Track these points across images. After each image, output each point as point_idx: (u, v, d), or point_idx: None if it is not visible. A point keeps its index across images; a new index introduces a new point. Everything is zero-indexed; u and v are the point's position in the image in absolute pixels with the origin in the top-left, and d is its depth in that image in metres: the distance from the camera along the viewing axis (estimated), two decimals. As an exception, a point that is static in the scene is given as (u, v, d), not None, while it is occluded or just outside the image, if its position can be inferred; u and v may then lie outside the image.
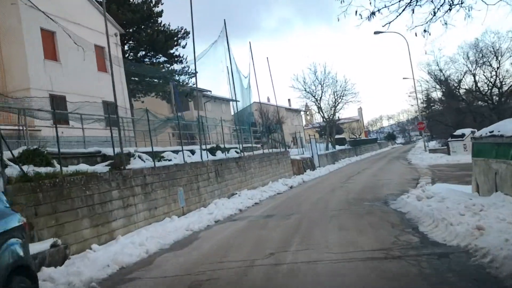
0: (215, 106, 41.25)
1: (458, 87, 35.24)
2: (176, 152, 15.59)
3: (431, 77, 40.61)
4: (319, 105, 44.18)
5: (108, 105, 21.02)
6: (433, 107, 46.45)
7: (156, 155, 13.60)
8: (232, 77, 21.48)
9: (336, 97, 44.11)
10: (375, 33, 31.24)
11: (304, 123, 79.68)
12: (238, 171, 18.49)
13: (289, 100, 75.83)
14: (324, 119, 45.57)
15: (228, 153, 19.96)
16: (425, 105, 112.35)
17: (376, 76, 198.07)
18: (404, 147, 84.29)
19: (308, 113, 79.76)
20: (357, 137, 73.75)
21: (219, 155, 18.24)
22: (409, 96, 48.78)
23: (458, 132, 25.75)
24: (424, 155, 29.51)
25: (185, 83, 33.91)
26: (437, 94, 40.60)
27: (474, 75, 32.89)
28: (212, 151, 18.83)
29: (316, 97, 44.01)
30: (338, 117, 48.94)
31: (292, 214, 11.67)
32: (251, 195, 16.93)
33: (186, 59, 33.80)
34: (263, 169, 21.90)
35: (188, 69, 34.36)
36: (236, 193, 17.17)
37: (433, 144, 52.73)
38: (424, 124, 30.93)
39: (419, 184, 16.17)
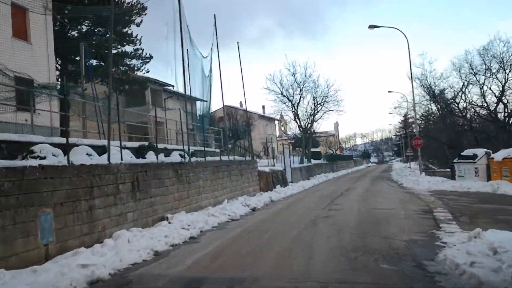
0: (179, 105, 35.42)
1: (456, 101, 30.47)
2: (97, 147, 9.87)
3: (425, 90, 35.90)
4: (296, 112, 38.83)
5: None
6: (425, 123, 41.78)
7: (19, 148, 7.76)
8: (183, 54, 15.64)
9: (315, 104, 38.87)
10: (370, 27, 26.20)
11: (278, 133, 74.52)
12: (176, 183, 12.67)
13: (263, 107, 70.76)
14: (300, 128, 40.19)
15: (167, 155, 14.17)
16: (402, 125, 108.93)
17: (355, 93, 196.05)
18: (380, 166, 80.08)
19: (282, 123, 74.74)
20: (334, 152, 68.88)
21: (150, 157, 12.43)
22: (396, 108, 43.46)
23: (468, 152, 20.68)
24: (419, 177, 24.28)
25: (136, 68, 27.99)
26: (431, 109, 35.85)
27: (481, 87, 28.21)
28: (141, 151, 12.99)
29: (293, 102, 38.65)
30: (314, 130, 43.63)
31: (241, 283, 6.04)
32: (189, 222, 11.15)
33: (140, 40, 28.02)
34: (218, 181, 16.15)
35: (142, 53, 28.61)
36: (168, 217, 11.35)
37: (413, 165, 48.31)
38: (421, 141, 25.69)
39: (440, 221, 10.87)
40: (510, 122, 27.41)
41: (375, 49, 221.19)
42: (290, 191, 22.54)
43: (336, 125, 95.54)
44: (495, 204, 14.31)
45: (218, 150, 21.78)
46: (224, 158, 18.36)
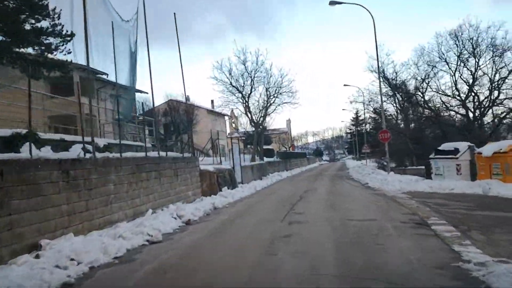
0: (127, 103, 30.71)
1: (420, 91, 27.66)
2: None
3: (385, 82, 33.17)
4: (247, 104, 35.01)
5: None
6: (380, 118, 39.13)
7: None
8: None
9: (268, 95, 35.22)
10: (331, 3, 22.80)
11: (228, 130, 70.58)
12: (66, 190, 8.49)
13: (212, 101, 66.47)
14: (252, 123, 36.43)
15: (66, 150, 9.95)
16: (354, 122, 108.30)
17: (308, 90, 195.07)
18: (333, 164, 78.03)
19: (233, 119, 70.74)
20: (287, 149, 65.79)
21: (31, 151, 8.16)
22: (351, 102, 40.68)
23: (447, 146, 17.66)
24: (387, 176, 21.13)
25: (53, 47, 23.17)
26: (394, 104, 33.11)
27: (453, 74, 25.54)
28: (15, 141, 8.74)
29: (243, 94, 34.82)
30: (266, 126, 40.03)
31: None
32: (76, 251, 7.04)
33: (58, 14, 23.21)
34: (140, 185, 12.04)
35: (61, 29, 23.79)
36: (41, 245, 7.19)
37: (368, 162, 45.87)
38: (389, 134, 22.52)
39: (448, 241, 7.58)
40: (484, 113, 24.91)
41: (330, 44, 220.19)
42: (239, 194, 18.71)
43: (289, 122, 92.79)
44: (499, 210, 11.15)
45: (150, 145, 17.61)
46: (153, 154, 14.25)
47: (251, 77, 34.45)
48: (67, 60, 24.10)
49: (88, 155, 9.87)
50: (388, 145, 26.99)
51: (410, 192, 16.53)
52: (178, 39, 18.63)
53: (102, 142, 12.50)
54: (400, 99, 31.27)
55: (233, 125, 76.21)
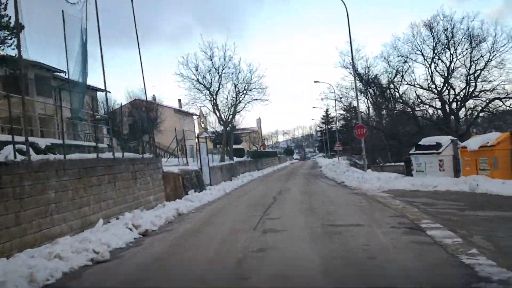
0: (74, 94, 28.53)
1: (394, 85, 26.71)
2: None
3: (358, 79, 32.19)
4: (215, 102, 33.40)
5: None
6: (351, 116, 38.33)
7: None
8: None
9: (237, 92, 33.72)
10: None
11: (198, 130, 68.67)
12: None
13: (179, 101, 64.45)
14: (220, 122, 34.83)
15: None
16: (324, 120, 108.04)
17: (278, 89, 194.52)
18: (304, 163, 77.36)
19: (202, 119, 68.83)
20: (258, 148, 64.47)
21: None
22: (322, 99, 39.67)
23: (428, 141, 16.63)
24: (364, 174, 20.01)
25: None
26: (366, 99, 32.13)
27: (429, 65, 24.60)
28: None
29: (211, 91, 33.20)
30: (235, 125, 38.54)
31: None
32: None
33: (5, 5, 21.10)
34: (89, 191, 10.38)
35: (8, 20, 21.70)
36: None
37: (340, 160, 45.02)
38: (366, 130, 21.36)
39: (452, 251, 6.41)
40: (461, 106, 24.12)
41: (300, 41, 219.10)
42: (207, 198, 17.21)
43: (259, 121, 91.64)
44: (493, 209, 10.07)
45: (106, 146, 15.88)
46: (107, 155, 12.59)
47: (218, 73, 32.90)
48: (16, 55, 21.88)
49: (20, 158, 8.19)
50: (360, 142, 25.97)
51: (391, 191, 15.41)
52: (136, 31, 16.94)
53: (44, 142, 10.75)
54: (373, 93, 30.37)
55: (202, 124, 74.34)
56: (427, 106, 25.74)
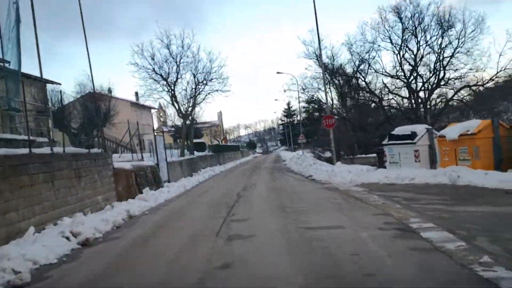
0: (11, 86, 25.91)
1: (361, 73, 25.69)
2: None
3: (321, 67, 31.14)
4: (173, 93, 31.49)
5: None
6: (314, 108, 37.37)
7: None
8: None
9: (197, 83, 31.94)
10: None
11: (157, 124, 66.23)
12: None
13: (136, 93, 61.81)
14: (179, 114, 32.97)
15: None
16: (286, 113, 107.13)
17: (240, 83, 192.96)
18: (268, 156, 76.32)
19: (161, 113, 66.49)
20: (220, 142, 62.78)
21: None
22: (285, 91, 38.45)
23: (402, 130, 15.61)
24: (334, 167, 18.86)
25: None
26: (330, 90, 30.99)
27: (398, 52, 23.64)
28: None
29: (169, 82, 31.27)
30: (195, 117, 36.78)
31: None
32: None
33: None
34: (19, 193, 8.60)
35: None
36: None
37: (299, 152, 44.03)
38: (334, 120, 20.16)
39: (462, 260, 5.18)
40: (430, 94, 23.33)
41: (262, 32, 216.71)
42: (164, 196, 15.62)
43: (220, 114, 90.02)
44: (486, 204, 9.00)
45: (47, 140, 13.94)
46: (42, 150, 10.76)
47: (176, 62, 31.03)
48: None
49: None
50: (325, 134, 24.94)
51: (365, 185, 14.30)
52: (82, 16, 14.96)
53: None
54: (338, 84, 29.38)
55: (161, 119, 71.80)
56: (395, 96, 24.96)
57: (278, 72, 43.62)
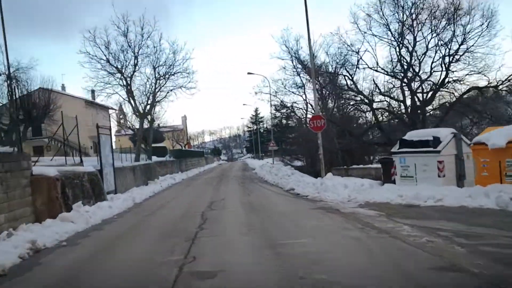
0: None
1: (348, 71, 22.20)
2: None
3: (300, 68, 27.85)
4: (129, 88, 27.20)
5: None
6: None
7: None
8: None
9: (157, 77, 27.79)
10: None
11: (116, 128, 61.06)
12: None
13: (93, 91, 56.74)
14: (136, 112, 28.69)
15: None
16: (253, 120, 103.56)
17: (206, 88, 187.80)
18: (234, 164, 72.43)
19: (121, 116, 61.34)
20: (183, 147, 58.30)
21: None
22: (256, 93, 34.75)
23: (418, 135, 12.14)
24: (324, 180, 15.11)
25: None
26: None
27: (398, 46, 20.11)
28: None
29: (125, 75, 27.02)
30: (155, 118, 32.63)
31: None
32: None
33: None
34: None
35: None
36: None
37: (269, 161, 40.60)
38: (324, 121, 16.37)
39: None
40: (430, 96, 19.96)
41: (233, 33, 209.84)
42: (102, 214, 11.59)
43: (184, 118, 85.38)
44: None
45: None
46: None
47: (134, 53, 26.84)
48: None
49: None
50: (300, 142, 21.48)
51: (373, 205, 10.74)
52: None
53: None
54: (319, 83, 25.97)
55: (121, 121, 66.51)
56: (387, 98, 21.55)
57: (249, 73, 39.86)
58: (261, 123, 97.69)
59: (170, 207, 13.19)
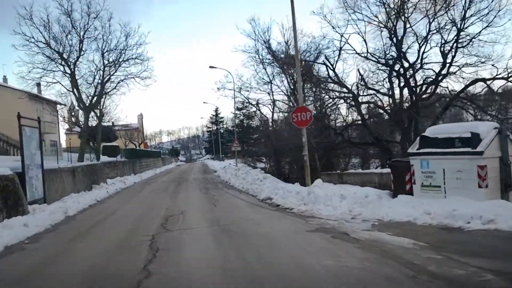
0: None
1: (329, 61, 19.23)
2: None
3: (270, 59, 25.03)
4: (72, 75, 23.28)
5: None
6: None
7: None
8: None
9: (106, 63, 24.06)
10: None
11: (67, 125, 56.00)
12: None
13: (38, 84, 51.60)
14: (80, 104, 24.77)
15: None
16: (213, 120, 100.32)
17: (165, 87, 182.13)
18: (192, 165, 68.60)
19: (73, 113, 56.46)
20: (137, 146, 54.04)
21: None
22: (219, 89, 31.50)
23: (446, 130, 9.29)
24: (313, 187, 12.05)
25: None
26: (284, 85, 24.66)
27: (393, 29, 17.23)
28: None
29: (68, 61, 23.09)
30: (104, 112, 28.85)
31: None
32: None
33: None
34: None
35: None
36: None
37: (226, 162, 37.55)
38: (311, 115, 13.31)
39: None
40: (435, 88, 17.19)
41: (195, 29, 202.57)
42: (13, 236, 8.12)
43: (141, 117, 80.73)
44: None
45: None
46: None
47: (79, 35, 23.00)
48: None
49: None
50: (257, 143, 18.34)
51: (389, 225, 7.82)
52: None
53: None
54: (291, 79, 23.12)
55: (73, 119, 61.53)
56: (376, 92, 18.75)
57: (211, 67, 36.41)
58: (221, 123, 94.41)
59: (111, 224, 9.81)
